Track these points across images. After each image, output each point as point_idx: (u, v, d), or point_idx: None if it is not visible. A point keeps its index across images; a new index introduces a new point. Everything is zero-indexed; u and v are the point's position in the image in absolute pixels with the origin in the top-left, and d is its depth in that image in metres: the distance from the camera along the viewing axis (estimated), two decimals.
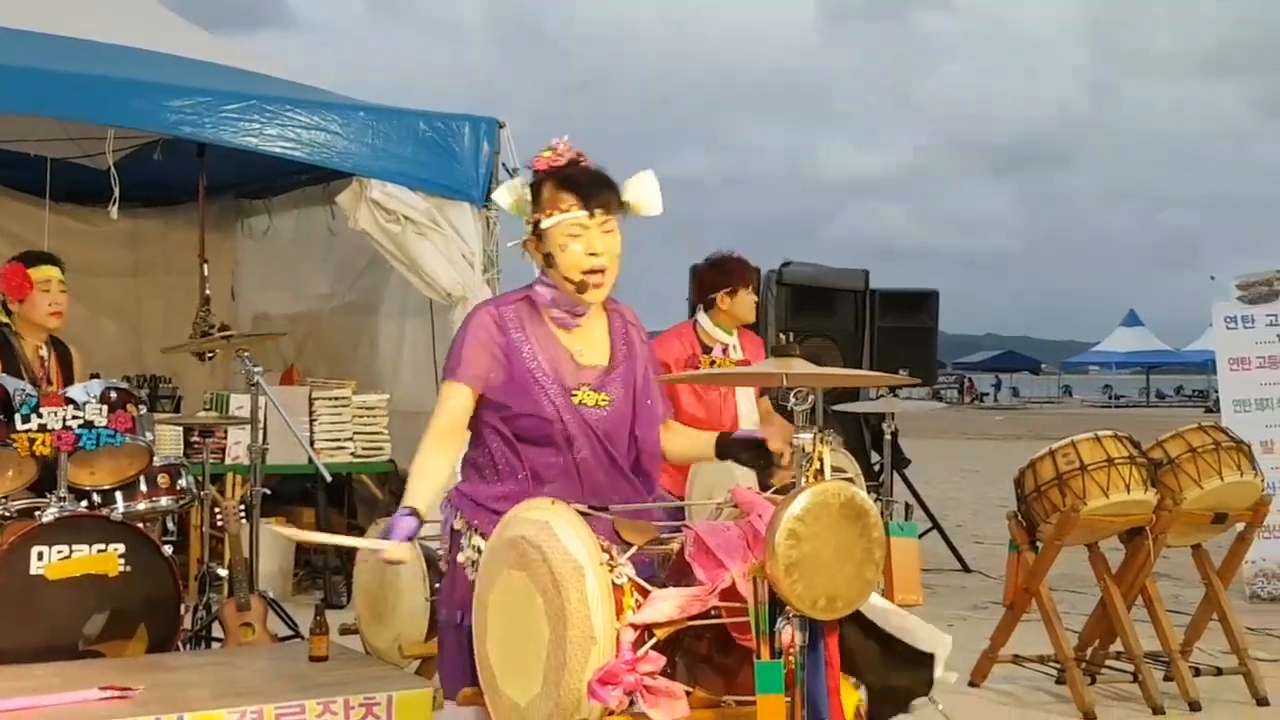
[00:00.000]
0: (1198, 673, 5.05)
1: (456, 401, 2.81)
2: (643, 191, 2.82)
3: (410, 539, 2.69)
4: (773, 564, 2.14)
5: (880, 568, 2.24)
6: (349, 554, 6.65)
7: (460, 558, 2.81)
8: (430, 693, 3.41)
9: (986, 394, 52.06)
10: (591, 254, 2.74)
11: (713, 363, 4.93)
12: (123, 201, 5.79)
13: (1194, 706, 4.86)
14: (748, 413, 4.95)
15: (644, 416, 2.87)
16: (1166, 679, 5.01)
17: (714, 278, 4.99)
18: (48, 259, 4.76)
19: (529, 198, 2.81)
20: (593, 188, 2.76)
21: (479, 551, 2.71)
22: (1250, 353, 7.55)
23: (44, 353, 4.71)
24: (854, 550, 2.21)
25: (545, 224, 2.75)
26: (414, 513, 2.71)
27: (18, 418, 4.10)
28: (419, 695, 3.41)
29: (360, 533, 5.61)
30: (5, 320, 4.67)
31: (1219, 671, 5.15)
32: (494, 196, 2.86)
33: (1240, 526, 5.25)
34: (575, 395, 2.79)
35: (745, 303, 4.95)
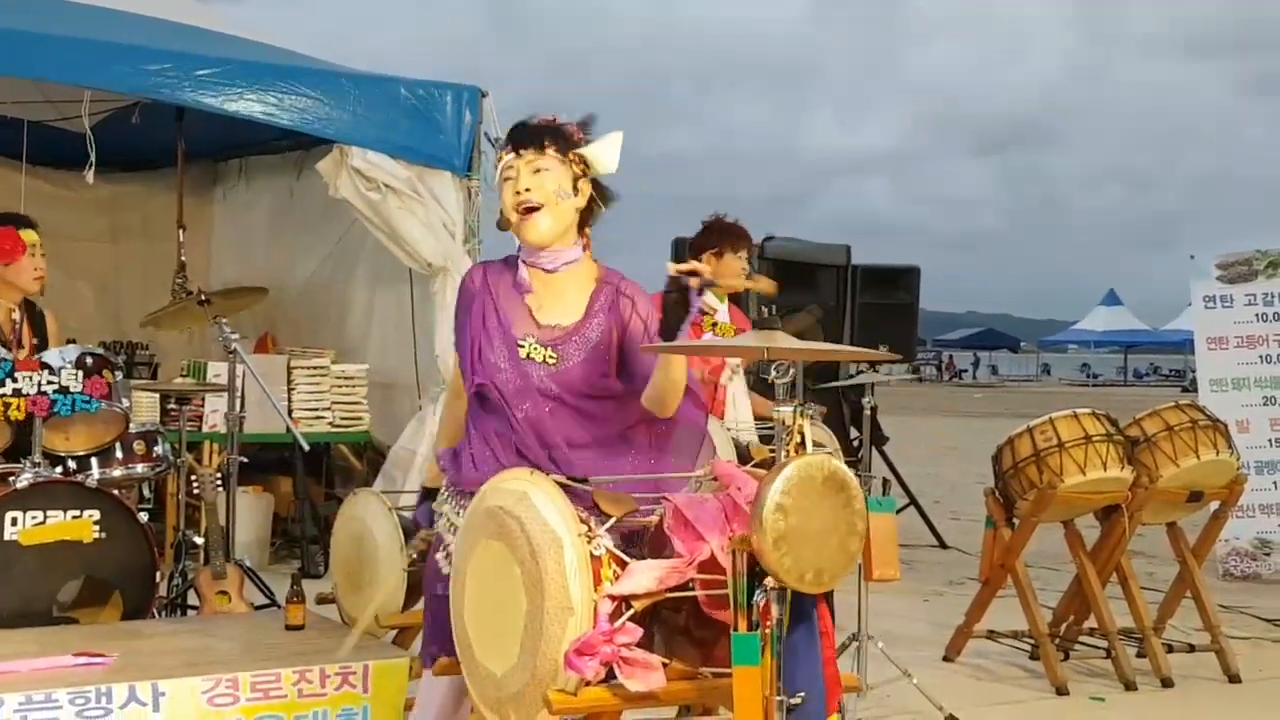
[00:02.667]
0: (1171, 650, 5.10)
1: (458, 370, 2.90)
2: (600, 146, 2.82)
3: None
4: (760, 537, 2.14)
5: (863, 540, 2.24)
6: (325, 523, 6.65)
7: (437, 527, 2.85)
8: (407, 662, 3.41)
9: (965, 371, 52.25)
10: (517, 192, 2.77)
11: (714, 324, 4.79)
12: (100, 166, 5.72)
13: (1166, 683, 4.90)
14: (738, 383, 4.87)
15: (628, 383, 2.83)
16: (1140, 655, 5.05)
17: (701, 241, 4.84)
18: (29, 222, 4.71)
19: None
20: (521, 132, 2.81)
21: (448, 522, 2.76)
22: (1228, 332, 7.58)
23: (16, 316, 4.66)
24: (838, 523, 2.21)
25: (496, 180, 2.83)
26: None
27: None
28: (396, 665, 3.41)
29: (338, 502, 5.58)
30: None
31: (1192, 649, 5.20)
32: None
33: (1215, 505, 5.29)
34: (521, 348, 2.77)
35: (731, 267, 4.73)
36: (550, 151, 2.77)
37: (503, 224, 2.83)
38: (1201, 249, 7.85)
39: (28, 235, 4.61)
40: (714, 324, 4.77)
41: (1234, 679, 5.05)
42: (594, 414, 2.78)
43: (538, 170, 2.76)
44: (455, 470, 2.81)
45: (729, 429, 4.52)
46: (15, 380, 4.07)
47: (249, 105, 5.67)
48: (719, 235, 4.84)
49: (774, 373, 2.28)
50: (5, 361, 4.10)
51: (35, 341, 4.67)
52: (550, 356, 2.77)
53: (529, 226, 2.76)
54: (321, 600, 4.11)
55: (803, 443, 2.22)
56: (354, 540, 3.79)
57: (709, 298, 4.77)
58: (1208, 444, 5.01)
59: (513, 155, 2.78)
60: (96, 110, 5.88)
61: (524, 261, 2.84)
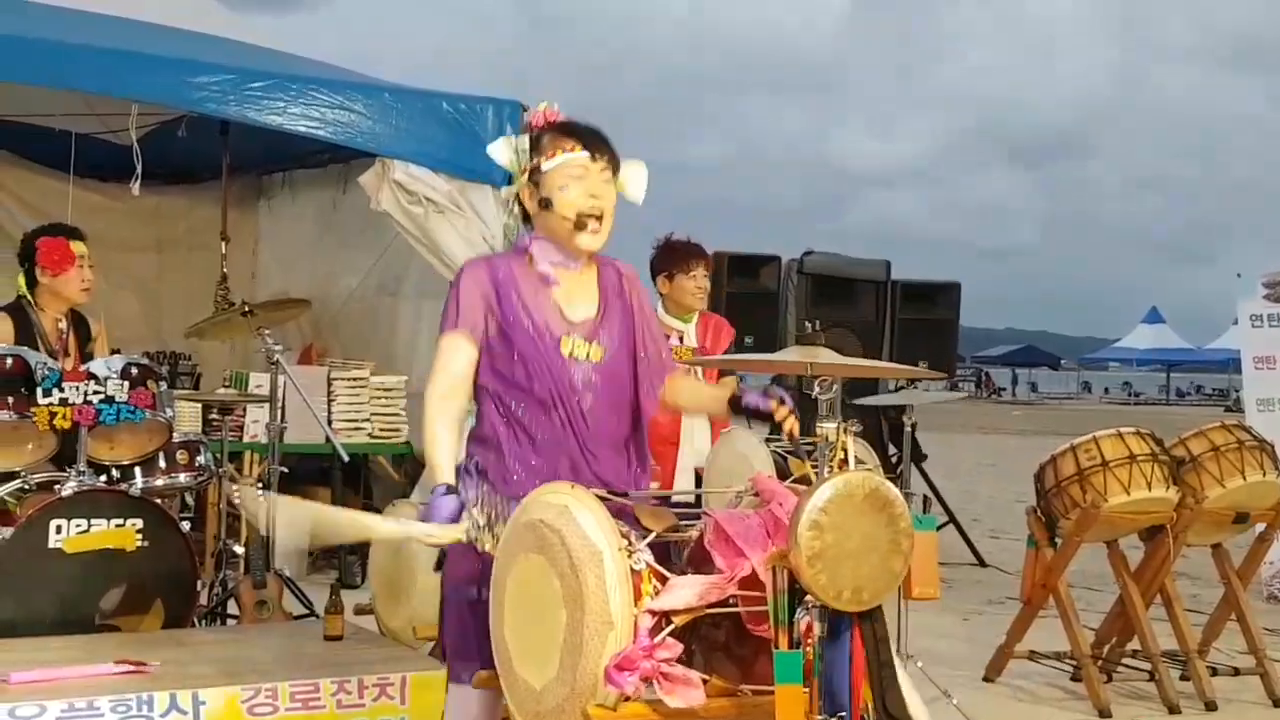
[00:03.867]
0: (1215, 672, 5.03)
1: (456, 355, 2.78)
2: (633, 175, 2.80)
3: (455, 519, 2.65)
4: (795, 555, 2.12)
5: (908, 559, 2.22)
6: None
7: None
8: (444, 674, 3.41)
9: (1004, 389, 51.78)
10: (592, 196, 2.72)
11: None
12: (146, 178, 5.78)
13: (1210, 706, 4.83)
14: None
15: (642, 373, 2.82)
16: (1183, 678, 4.98)
17: (654, 263, 4.86)
18: (78, 234, 4.77)
19: (526, 148, 2.79)
20: (597, 137, 2.76)
21: (477, 527, 2.70)
22: (1275, 351, 7.49)
23: (63, 325, 4.71)
24: (879, 541, 2.19)
25: (546, 166, 2.73)
26: (451, 489, 2.67)
27: (39, 391, 4.10)
28: (433, 676, 3.42)
29: (376, 513, 5.59)
30: (24, 292, 4.66)
31: (1236, 672, 5.13)
32: (490, 150, 2.84)
33: (1261, 527, 5.21)
34: (564, 346, 2.74)
35: (683, 288, 4.78)
36: (613, 167, 2.77)
37: (538, 212, 2.74)
38: (1245, 264, 7.75)
39: (77, 246, 4.67)
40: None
41: (1278, 702, 4.97)
42: (621, 406, 2.78)
43: (607, 181, 2.76)
44: (497, 478, 2.76)
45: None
46: (62, 390, 4.11)
47: (293, 119, 5.72)
48: (668, 258, 4.83)
49: (817, 389, 2.27)
50: (53, 371, 4.14)
51: (81, 351, 4.72)
52: (595, 352, 2.76)
53: (593, 237, 2.74)
54: (359, 611, 4.12)
55: (845, 459, 2.20)
56: (391, 551, 3.81)
57: (669, 320, 4.81)
58: (1254, 465, 4.94)
59: (586, 155, 2.73)
60: (143, 123, 5.95)
61: (550, 261, 2.79)
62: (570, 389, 2.73)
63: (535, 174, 2.75)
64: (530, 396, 2.74)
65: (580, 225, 2.72)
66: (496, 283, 2.77)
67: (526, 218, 2.84)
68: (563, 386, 2.73)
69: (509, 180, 2.88)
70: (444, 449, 2.72)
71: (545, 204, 2.74)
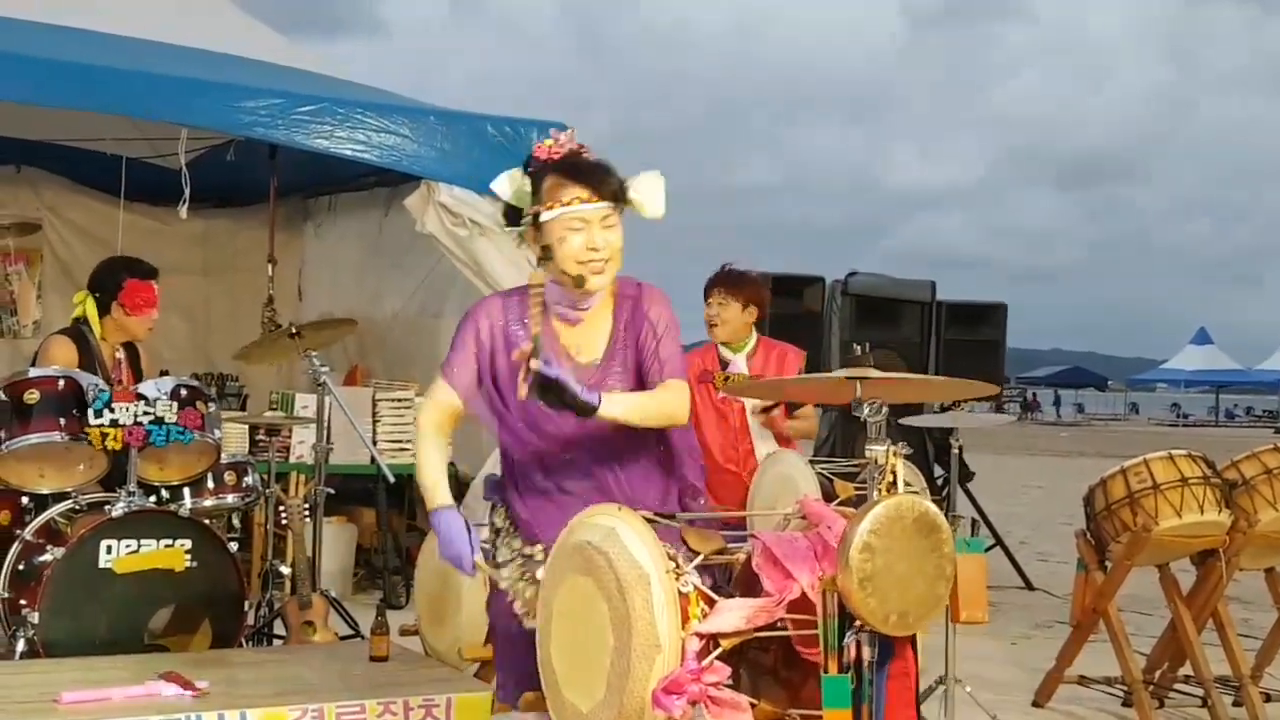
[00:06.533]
0: (1268, 699, 4.94)
1: (443, 399, 2.88)
2: (646, 191, 2.74)
3: (469, 542, 2.77)
4: (846, 577, 2.11)
5: (951, 583, 2.20)
6: (407, 555, 6.69)
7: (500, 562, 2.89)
8: (489, 696, 3.41)
9: (1039, 410, 51.01)
10: (591, 249, 2.69)
11: (726, 378, 4.80)
12: (194, 201, 5.84)
13: None
14: (757, 430, 4.87)
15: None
16: (1236, 704, 4.90)
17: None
18: (156, 273, 4.81)
19: (529, 189, 2.76)
20: (595, 180, 2.70)
21: (512, 553, 2.80)
22: None
23: (120, 355, 4.76)
24: (926, 565, 2.18)
25: (545, 217, 2.70)
26: (449, 508, 2.80)
27: (90, 412, 4.15)
28: (478, 698, 3.42)
29: (421, 535, 5.63)
30: (90, 318, 4.69)
31: None
32: (493, 186, 2.81)
33: None
34: None
35: (706, 317, 4.83)
36: (614, 203, 2.72)
37: (544, 258, 2.72)
38: None
39: (157, 289, 4.74)
40: (726, 378, 4.77)
41: None
42: (635, 438, 2.77)
43: (610, 226, 2.71)
44: (517, 519, 2.85)
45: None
46: (113, 411, 4.16)
47: (340, 143, 5.77)
48: (707, 286, 4.84)
49: (866, 410, 2.26)
50: (104, 393, 4.19)
51: (134, 377, 4.77)
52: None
53: (597, 279, 2.71)
54: (405, 632, 4.13)
55: (894, 483, 2.19)
56: (438, 574, 3.81)
57: (722, 349, 4.81)
58: None
59: (585, 207, 2.67)
60: (192, 148, 6.01)
61: (559, 310, 2.79)
62: (566, 437, 2.77)
63: (536, 219, 2.73)
64: (526, 446, 2.81)
65: (580, 281, 2.70)
66: (492, 337, 2.82)
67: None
68: (562, 433, 2.76)
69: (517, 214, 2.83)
70: (433, 468, 2.82)
71: (546, 252, 2.73)
